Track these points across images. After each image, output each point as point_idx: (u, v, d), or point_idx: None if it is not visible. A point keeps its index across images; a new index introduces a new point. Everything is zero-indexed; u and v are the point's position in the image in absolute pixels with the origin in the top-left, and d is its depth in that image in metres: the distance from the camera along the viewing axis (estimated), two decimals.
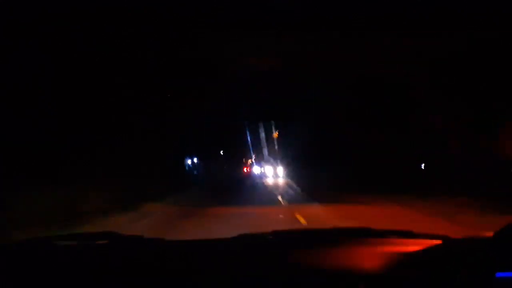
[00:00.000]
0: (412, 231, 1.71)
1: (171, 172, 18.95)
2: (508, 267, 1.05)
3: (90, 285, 1.28)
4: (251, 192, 18.75)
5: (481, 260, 1.06)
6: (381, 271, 1.22)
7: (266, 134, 39.69)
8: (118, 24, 9.32)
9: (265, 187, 23.28)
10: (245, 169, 46.38)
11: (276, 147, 39.39)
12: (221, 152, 41.56)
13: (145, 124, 14.18)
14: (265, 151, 42.43)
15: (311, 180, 21.32)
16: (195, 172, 29.80)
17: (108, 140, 11.49)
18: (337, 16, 9.10)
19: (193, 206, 11.73)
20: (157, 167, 15.70)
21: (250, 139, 40.05)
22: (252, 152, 44.06)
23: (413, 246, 1.37)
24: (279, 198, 14.99)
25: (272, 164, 40.73)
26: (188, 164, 29.22)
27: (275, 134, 38.69)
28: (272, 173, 38.29)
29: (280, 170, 37.08)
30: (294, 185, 21.82)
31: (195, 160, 31.12)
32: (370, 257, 1.37)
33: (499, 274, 1.04)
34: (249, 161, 49.03)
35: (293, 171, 31.68)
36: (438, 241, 1.47)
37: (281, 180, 30.03)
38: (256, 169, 45.01)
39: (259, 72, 14.38)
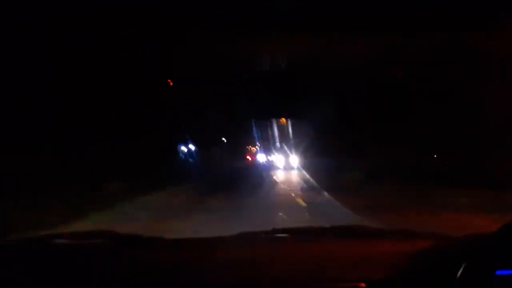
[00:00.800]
0: (410, 230, 1.70)
1: (158, 162, 15.69)
2: (508, 265, 1.05)
3: (88, 285, 1.27)
4: (256, 196, 10.83)
5: (481, 258, 1.05)
6: (380, 270, 1.22)
7: (275, 121, 35.13)
8: (118, 24, 9.35)
9: (276, 185, 15.60)
10: (248, 158, 44.08)
11: (290, 133, 33.48)
12: (224, 139, 38.24)
13: (132, 110, 13.15)
14: (274, 138, 36.19)
15: (338, 176, 14.41)
16: (191, 161, 26.35)
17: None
18: (339, 16, 9.15)
19: None
20: (138, 156, 13.50)
21: (256, 127, 35.84)
22: (257, 140, 39.61)
23: (412, 245, 1.37)
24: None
25: (283, 153, 32.82)
26: (183, 151, 26.03)
27: (283, 120, 34.25)
28: (283, 164, 29.93)
29: (294, 160, 29.34)
30: (320, 186, 13.19)
31: (192, 147, 26.88)
32: (369, 257, 1.37)
33: (500, 272, 1.04)
34: (254, 149, 47.10)
35: (309, 163, 25.10)
36: (438, 240, 1.47)
37: (296, 174, 22.08)
38: (261, 158, 40.25)
39: (263, 71, 14.40)
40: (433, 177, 12.20)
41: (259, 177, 18.94)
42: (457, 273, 1.02)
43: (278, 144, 35.49)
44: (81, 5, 8.41)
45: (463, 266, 1.02)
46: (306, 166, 24.75)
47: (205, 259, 1.43)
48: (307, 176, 18.43)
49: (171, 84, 16.37)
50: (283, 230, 1.82)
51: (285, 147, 32.50)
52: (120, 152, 12.25)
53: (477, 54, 10.45)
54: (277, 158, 33.77)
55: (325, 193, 10.95)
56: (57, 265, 1.42)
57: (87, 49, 10.03)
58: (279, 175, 20.46)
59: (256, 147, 44.46)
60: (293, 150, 30.46)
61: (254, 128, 35.27)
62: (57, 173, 9.58)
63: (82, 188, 9.16)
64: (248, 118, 28.63)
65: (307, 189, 13.28)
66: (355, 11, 9.06)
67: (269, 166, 30.61)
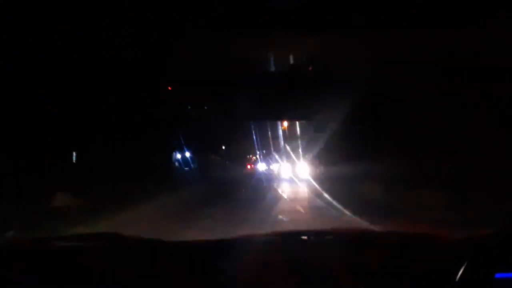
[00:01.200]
0: (410, 233, 1.71)
1: (148, 170, 14.46)
2: (507, 268, 1.05)
3: (88, 286, 1.28)
4: (261, 226, 7.49)
5: (480, 261, 1.05)
6: (381, 272, 1.22)
7: (278, 126, 31.98)
8: (117, 24, 9.34)
9: (285, 204, 12.16)
10: (248, 166, 44.14)
11: (291, 138, 29.90)
12: (223, 147, 37.56)
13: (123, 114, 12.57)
14: (277, 143, 32.66)
15: (361, 189, 12.02)
16: (186, 169, 24.67)
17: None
18: (339, 16, 9.15)
19: None
20: (128, 161, 12.54)
21: (257, 132, 32.51)
22: (258, 147, 36.07)
23: (412, 247, 1.37)
24: None
25: (288, 160, 29.08)
26: (178, 159, 24.29)
27: (284, 126, 31.67)
28: (289, 174, 25.22)
29: (302, 168, 24.40)
30: (349, 209, 9.27)
31: (188, 154, 24.98)
32: (370, 259, 1.37)
33: (499, 275, 1.04)
34: (253, 157, 47.07)
35: (319, 171, 21.37)
36: (438, 242, 1.47)
37: (308, 187, 17.49)
38: (261, 166, 38.17)
39: (263, 71, 14.35)
40: (466, 183, 9.98)
41: (260, 189, 16.70)
42: (457, 274, 1.02)
43: (282, 150, 32.24)
44: (81, 5, 8.41)
45: (462, 267, 1.02)
46: (316, 175, 20.81)
47: (206, 261, 1.43)
48: (321, 189, 14.79)
49: (170, 88, 16.32)
50: (283, 233, 1.82)
51: (291, 154, 28.39)
52: (110, 157, 11.69)
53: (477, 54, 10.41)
54: (280, 167, 29.63)
55: (363, 221, 7.82)
56: (57, 266, 1.42)
57: (85, 48, 10.03)
58: (285, 189, 17.28)
59: (257, 156, 43.51)
60: (300, 157, 26.16)
61: (254, 134, 31.99)
62: (23, 181, 8.54)
63: (28, 202, 7.56)
64: (248, 121, 27.49)
65: (329, 212, 9.99)
66: (355, 11, 9.05)
67: (272, 178, 26.07)
